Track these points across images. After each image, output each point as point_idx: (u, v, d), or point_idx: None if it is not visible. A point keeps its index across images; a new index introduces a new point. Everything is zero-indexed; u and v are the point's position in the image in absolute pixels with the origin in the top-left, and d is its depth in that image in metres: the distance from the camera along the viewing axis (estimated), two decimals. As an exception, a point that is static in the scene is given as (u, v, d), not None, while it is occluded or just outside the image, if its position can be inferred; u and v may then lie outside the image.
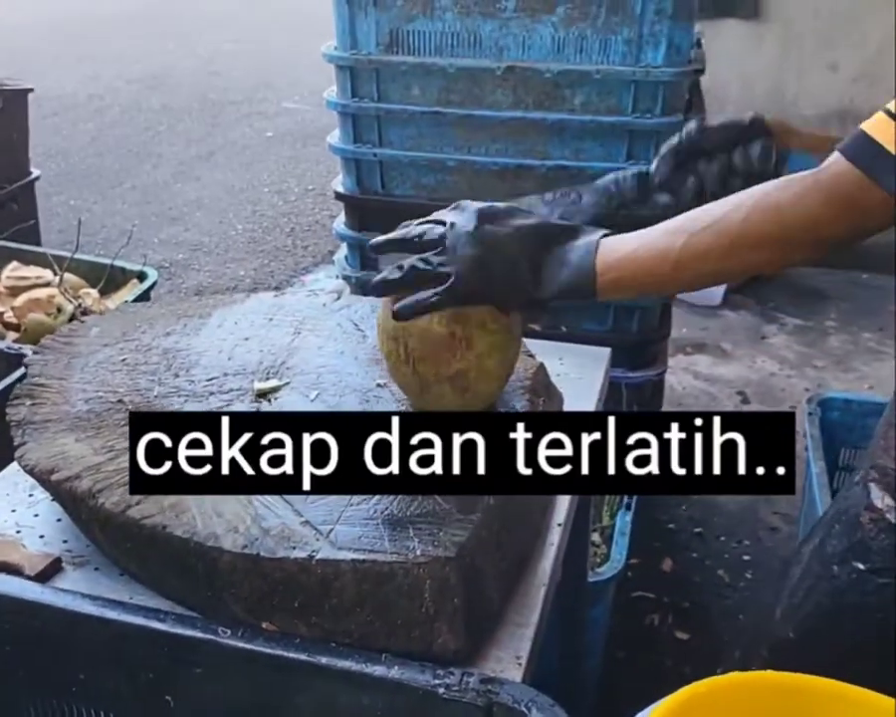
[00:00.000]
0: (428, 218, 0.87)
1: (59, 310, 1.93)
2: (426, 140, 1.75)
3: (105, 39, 7.27)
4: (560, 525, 0.93)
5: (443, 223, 0.84)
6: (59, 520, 0.89)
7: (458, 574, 0.74)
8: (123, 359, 1.00)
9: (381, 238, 0.87)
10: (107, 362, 0.99)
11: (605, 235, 0.83)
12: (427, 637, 0.75)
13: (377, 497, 0.80)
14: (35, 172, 2.92)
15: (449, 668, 0.72)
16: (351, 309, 1.13)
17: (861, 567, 0.97)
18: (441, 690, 0.71)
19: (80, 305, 1.94)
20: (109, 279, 2.12)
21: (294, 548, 0.75)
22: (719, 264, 0.78)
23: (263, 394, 0.94)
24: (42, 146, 4.54)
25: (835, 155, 0.75)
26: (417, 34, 1.69)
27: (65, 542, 0.87)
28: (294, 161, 4.74)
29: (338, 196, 1.86)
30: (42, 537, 0.88)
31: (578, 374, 1.17)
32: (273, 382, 0.96)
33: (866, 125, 0.75)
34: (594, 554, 1.67)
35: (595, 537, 1.71)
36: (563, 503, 0.96)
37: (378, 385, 0.96)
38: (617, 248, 0.81)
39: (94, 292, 2.06)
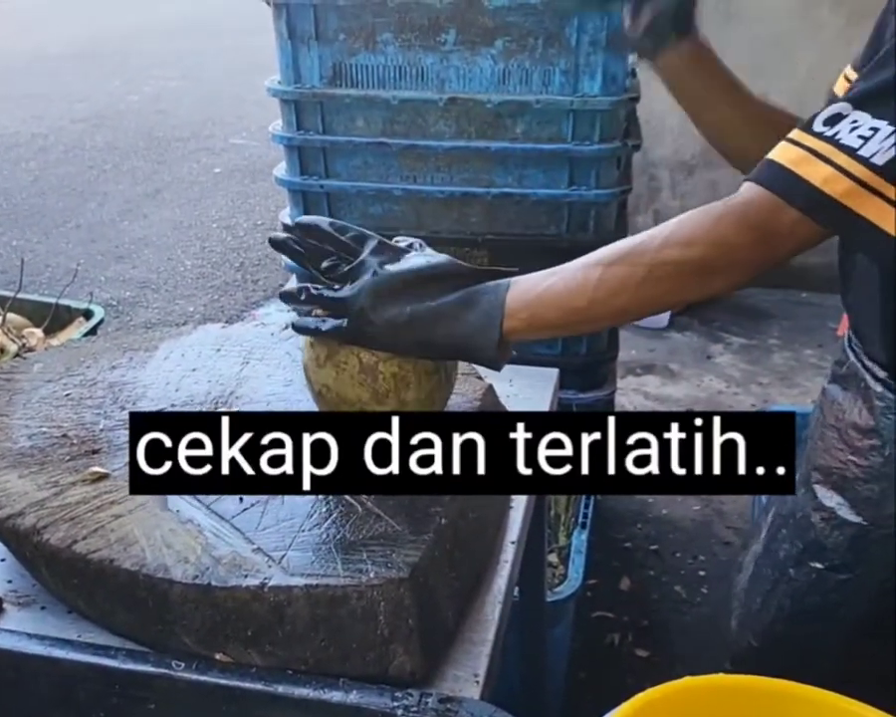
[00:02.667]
0: (345, 237, 0.86)
1: (2, 350, 1.89)
2: (372, 171, 1.77)
3: (48, 78, 7.19)
4: (513, 543, 0.93)
5: (355, 255, 0.84)
6: (3, 560, 0.87)
7: (412, 594, 0.74)
8: (68, 395, 0.99)
9: (285, 235, 0.88)
10: (50, 398, 0.98)
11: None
12: (383, 660, 0.74)
13: (329, 522, 0.80)
14: (-25, 213, 2.86)
15: (407, 690, 0.72)
16: (300, 337, 1.13)
17: (819, 566, 0.99)
18: (400, 712, 0.71)
19: (24, 344, 1.90)
20: (54, 318, 2.08)
21: (245, 576, 0.74)
22: (636, 296, 0.76)
23: (212, 424, 0.94)
24: (-18, 187, 4.47)
25: (746, 184, 0.77)
26: (360, 67, 1.72)
27: (9, 582, 0.85)
28: (242, 197, 4.73)
29: (286, 228, 1.86)
30: (-15, 578, 0.85)
31: (528, 395, 1.19)
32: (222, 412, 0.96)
33: (772, 154, 0.77)
34: (553, 575, 1.68)
35: (553, 557, 1.72)
36: (517, 521, 0.97)
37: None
38: (530, 287, 0.79)
39: (38, 331, 2.02)
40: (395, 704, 0.71)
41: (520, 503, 0.99)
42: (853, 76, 0.92)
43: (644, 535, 2.24)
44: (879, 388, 0.92)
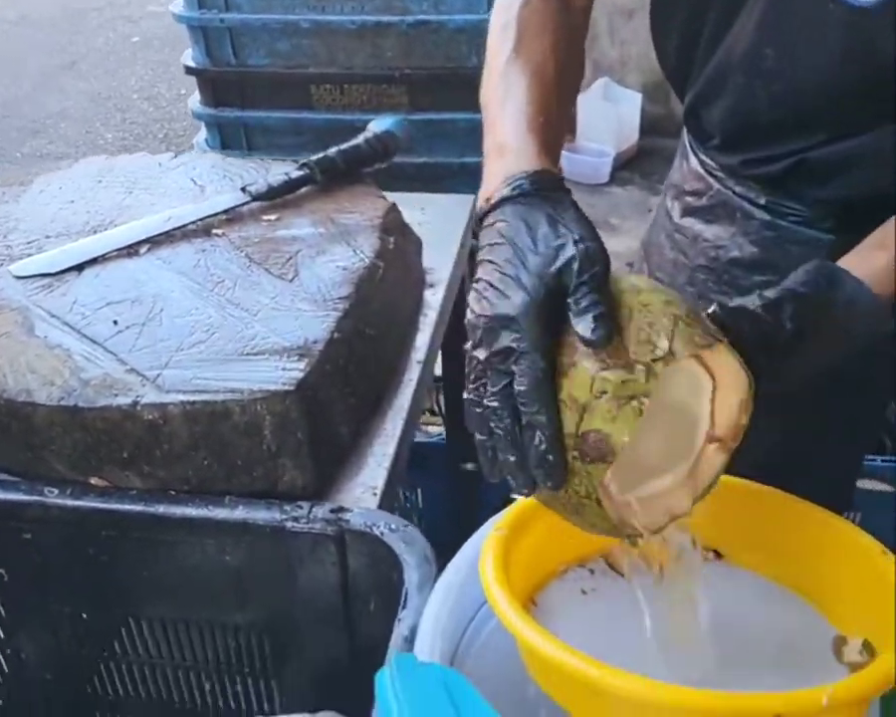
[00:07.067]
0: None
1: None
2: (277, 2, 1.64)
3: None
4: (419, 362, 0.90)
5: None
6: None
7: (300, 407, 0.70)
8: (-73, 230, 0.90)
9: None
10: None
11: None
12: (271, 475, 0.71)
13: (210, 338, 0.75)
14: None
15: (297, 502, 0.69)
16: (189, 166, 1.05)
17: None
18: (289, 524, 0.69)
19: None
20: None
21: (116, 395, 0.69)
22: None
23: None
24: None
25: None
26: None
27: None
28: (163, 66, 4.45)
29: (189, 71, 1.73)
30: None
31: (440, 225, 1.13)
32: (97, 239, 0.88)
33: None
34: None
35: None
36: (425, 342, 0.93)
37: (216, 235, 0.89)
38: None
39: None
40: (283, 517, 0.68)
41: (427, 325, 0.95)
42: None
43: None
44: (767, 217, 0.81)
